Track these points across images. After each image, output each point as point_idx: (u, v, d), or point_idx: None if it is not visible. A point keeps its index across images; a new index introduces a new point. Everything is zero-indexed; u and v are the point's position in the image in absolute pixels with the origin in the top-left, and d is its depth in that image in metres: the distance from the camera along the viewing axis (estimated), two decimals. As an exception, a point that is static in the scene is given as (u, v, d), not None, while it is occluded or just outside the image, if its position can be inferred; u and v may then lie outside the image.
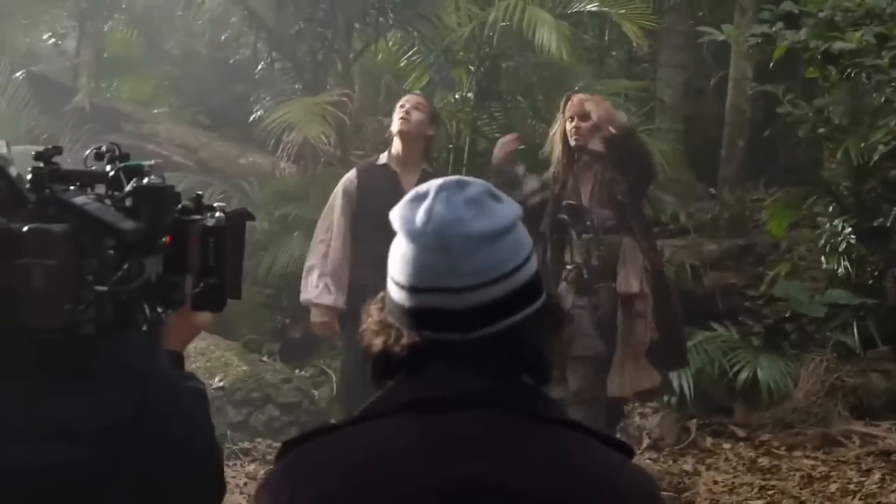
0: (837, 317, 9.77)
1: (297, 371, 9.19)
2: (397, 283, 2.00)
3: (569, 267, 6.86)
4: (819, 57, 9.49)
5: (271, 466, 2.15)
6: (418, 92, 7.91)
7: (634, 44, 11.91)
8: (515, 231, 2.00)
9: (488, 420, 1.95)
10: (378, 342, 2.04)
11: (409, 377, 2.01)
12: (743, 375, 9.27)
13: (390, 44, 12.54)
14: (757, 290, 10.87)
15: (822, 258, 10.28)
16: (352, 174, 7.19)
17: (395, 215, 2.00)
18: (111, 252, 2.18)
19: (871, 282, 10.10)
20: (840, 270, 10.04)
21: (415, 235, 1.96)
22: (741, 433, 9.01)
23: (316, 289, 7.02)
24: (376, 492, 1.91)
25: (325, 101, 10.28)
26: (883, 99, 9.51)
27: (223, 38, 14.58)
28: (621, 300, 6.84)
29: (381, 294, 2.08)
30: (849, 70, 9.38)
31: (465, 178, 2.04)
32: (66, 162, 2.34)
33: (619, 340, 6.83)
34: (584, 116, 6.86)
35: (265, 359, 9.31)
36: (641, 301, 6.83)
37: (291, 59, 11.73)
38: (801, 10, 9.71)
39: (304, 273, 7.16)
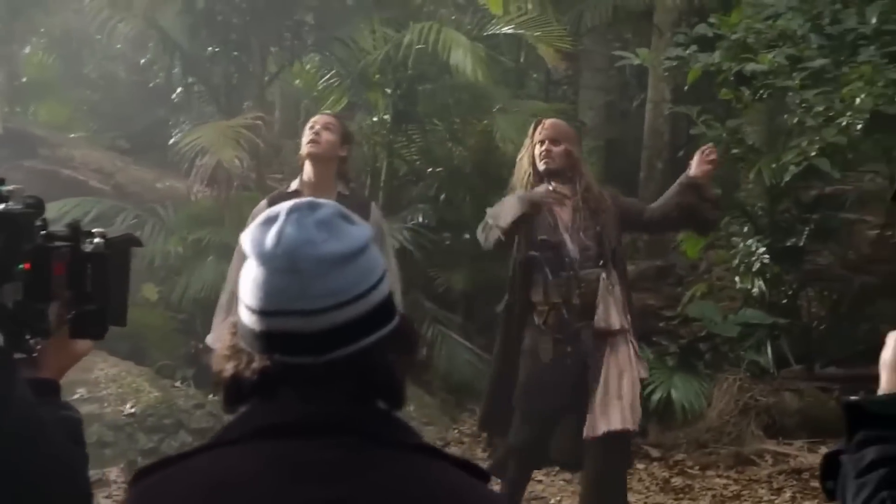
0: (751, 336, 9.84)
1: (210, 396, 9.10)
2: (248, 307, 1.97)
3: (540, 308, 6.50)
4: (732, 78, 9.59)
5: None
6: (329, 112, 7.73)
7: (550, 66, 11.94)
8: (367, 253, 1.99)
9: (340, 445, 1.93)
10: (229, 367, 2.01)
11: (261, 402, 1.99)
12: (657, 396, 9.30)
13: (308, 67, 12.53)
14: (674, 310, 10.93)
15: (737, 278, 10.34)
16: (262, 206, 6.83)
17: (246, 238, 1.98)
18: (-37, 279, 2.14)
19: (784, 301, 10.17)
20: (754, 290, 10.10)
21: (265, 258, 1.94)
22: (655, 453, 9.05)
23: (214, 332, 6.71)
24: (227, 519, 1.88)
25: (239, 125, 10.20)
26: (795, 120, 9.55)
27: (142, 61, 14.50)
28: (597, 337, 6.43)
29: (233, 319, 2.06)
30: (761, 91, 9.47)
31: (317, 200, 2.02)
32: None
33: (599, 379, 6.38)
34: (555, 140, 6.62)
35: (178, 384, 9.21)
36: (623, 336, 6.46)
37: (206, 82, 11.66)
38: (716, 32, 9.81)
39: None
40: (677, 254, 11.97)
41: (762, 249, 9.95)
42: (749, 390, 9.36)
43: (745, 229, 10.41)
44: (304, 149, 6.50)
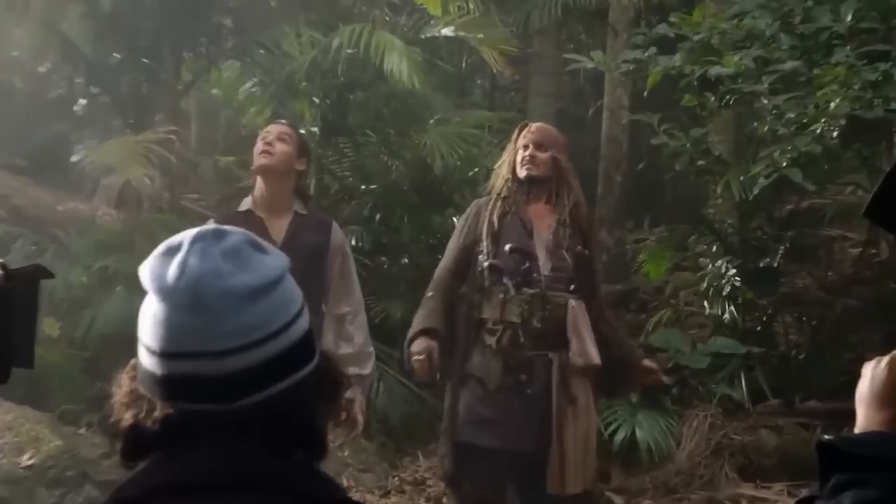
0: (723, 368, 9.84)
1: (119, 445, 8.99)
2: (148, 349, 1.95)
3: (492, 327, 6.28)
4: (696, 83, 9.61)
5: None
6: (284, 121, 7.65)
7: (495, 71, 11.96)
8: (283, 285, 1.98)
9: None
10: (128, 416, 2.00)
11: (164, 456, 1.97)
12: (620, 435, 9.29)
13: (226, 74, 12.48)
14: (638, 339, 10.91)
15: (706, 303, 10.36)
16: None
17: (145, 271, 1.95)
18: None
19: (759, 328, 10.21)
20: (725, 317, 10.13)
21: (166, 293, 1.92)
22: (619, 500, 9.04)
23: None
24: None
25: (149, 140, 10.14)
26: (765, 128, 9.58)
27: (41, 70, 14.38)
28: (561, 376, 6.21)
29: (132, 361, 2.03)
30: (728, 97, 9.50)
31: (224, 227, 2.01)
32: None
33: (555, 428, 6.20)
34: (541, 146, 6.46)
35: (82, 431, 9.13)
36: (593, 377, 6.35)
37: (113, 93, 11.57)
38: (677, 33, 9.84)
39: None
40: (639, 276, 12.00)
41: (733, 271, 9.97)
42: (722, 428, 9.38)
43: (714, 249, 10.44)
44: (256, 161, 6.42)
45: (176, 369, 1.92)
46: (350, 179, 11.74)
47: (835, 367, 9.89)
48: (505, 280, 6.28)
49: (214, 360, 1.90)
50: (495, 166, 6.86)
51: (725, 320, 10.16)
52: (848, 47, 9.00)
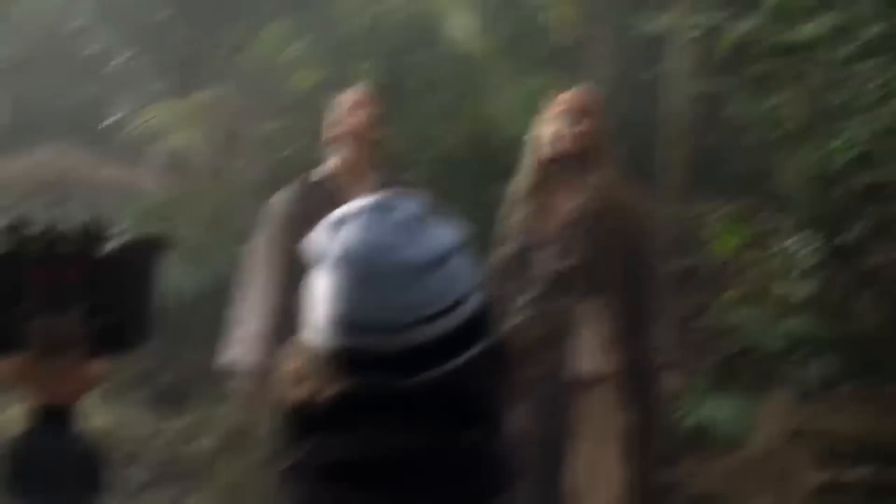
0: (798, 350, 9.78)
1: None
2: (318, 322, 1.97)
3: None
4: (770, 49, 9.53)
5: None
6: (364, 85, 7.61)
7: (557, 33, 11.93)
8: (456, 259, 1.99)
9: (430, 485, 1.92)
10: (297, 392, 2.01)
11: (334, 434, 1.98)
12: (689, 421, 9.26)
13: (274, 35, 12.43)
14: (701, 320, 10.87)
15: (780, 281, 10.31)
16: (288, 195, 6.64)
17: (314, 243, 1.98)
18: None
19: (836, 308, 10.13)
20: (801, 295, 10.06)
21: (338, 265, 1.93)
22: (689, 488, 9.01)
23: (235, 347, 6.49)
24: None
25: (201, 104, 10.16)
26: (844, 98, 9.47)
27: (73, 26, 14.36)
28: (570, 388, 6.15)
29: (299, 336, 2.05)
30: (804, 64, 9.42)
31: (394, 198, 2.02)
32: None
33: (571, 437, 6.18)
34: (580, 115, 6.20)
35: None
36: (603, 387, 6.18)
37: (157, 53, 11.55)
38: (749, -6, 9.76)
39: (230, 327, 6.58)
40: (704, 253, 11.95)
41: (809, 248, 9.90)
42: (798, 413, 9.34)
43: (788, 224, 10.38)
44: (338, 128, 6.40)
45: (348, 343, 1.94)
46: (404, 147, 11.70)
47: (920, 348, 9.87)
48: (509, 284, 6.17)
49: (389, 335, 1.92)
50: (526, 139, 6.53)
51: (801, 299, 10.10)
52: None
